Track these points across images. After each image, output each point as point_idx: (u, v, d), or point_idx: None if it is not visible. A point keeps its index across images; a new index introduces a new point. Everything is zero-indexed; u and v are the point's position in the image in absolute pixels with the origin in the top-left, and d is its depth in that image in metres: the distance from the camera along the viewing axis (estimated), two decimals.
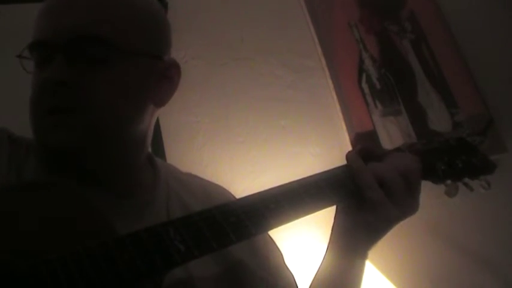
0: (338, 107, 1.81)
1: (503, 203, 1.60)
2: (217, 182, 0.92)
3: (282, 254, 0.86)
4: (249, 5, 1.93)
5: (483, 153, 0.86)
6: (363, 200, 0.73)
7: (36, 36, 0.71)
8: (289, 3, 1.98)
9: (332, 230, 0.79)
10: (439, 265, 1.57)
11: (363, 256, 0.77)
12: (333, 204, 0.73)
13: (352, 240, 0.76)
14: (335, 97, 1.83)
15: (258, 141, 1.70)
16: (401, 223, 0.76)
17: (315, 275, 0.80)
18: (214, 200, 0.81)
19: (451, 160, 0.83)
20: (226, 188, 0.91)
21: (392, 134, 1.74)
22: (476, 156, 0.85)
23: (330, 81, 1.85)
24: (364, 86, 1.83)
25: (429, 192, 0.82)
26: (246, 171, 1.63)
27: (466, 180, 0.83)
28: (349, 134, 1.75)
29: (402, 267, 1.55)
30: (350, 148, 1.73)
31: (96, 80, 0.68)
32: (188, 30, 1.71)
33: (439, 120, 1.75)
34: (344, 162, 0.79)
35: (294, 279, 0.84)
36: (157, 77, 0.75)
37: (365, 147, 0.81)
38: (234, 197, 0.89)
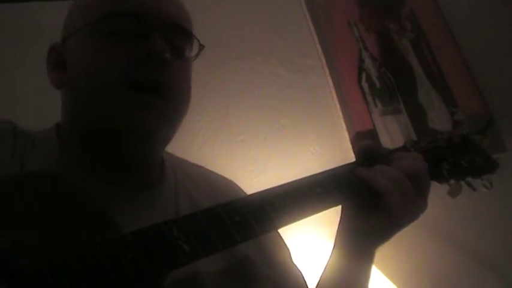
0: (338, 105, 1.81)
1: (503, 203, 1.59)
2: None
3: (289, 251, 0.85)
4: (249, 5, 1.93)
5: (486, 152, 0.85)
6: (374, 202, 0.71)
7: (131, 6, 0.68)
8: (289, 3, 1.98)
9: (338, 231, 0.78)
10: (439, 264, 1.57)
11: (370, 258, 0.76)
12: (339, 204, 0.72)
13: (362, 242, 0.75)
14: (335, 96, 1.83)
15: (258, 140, 1.70)
16: None
17: (321, 276, 0.79)
18: (217, 192, 0.81)
19: (455, 159, 0.82)
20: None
21: (392, 132, 1.74)
22: (480, 155, 0.84)
23: (329, 80, 1.85)
24: (364, 85, 1.83)
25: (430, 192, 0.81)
26: (246, 170, 1.63)
27: (469, 179, 0.82)
28: (349, 133, 1.75)
29: (402, 266, 1.55)
30: (350, 147, 1.73)
31: (176, 69, 0.71)
32: None
33: (439, 119, 1.75)
34: (344, 160, 0.79)
35: (303, 277, 0.83)
36: None
37: (370, 146, 0.80)
38: (240, 189, 0.89)
